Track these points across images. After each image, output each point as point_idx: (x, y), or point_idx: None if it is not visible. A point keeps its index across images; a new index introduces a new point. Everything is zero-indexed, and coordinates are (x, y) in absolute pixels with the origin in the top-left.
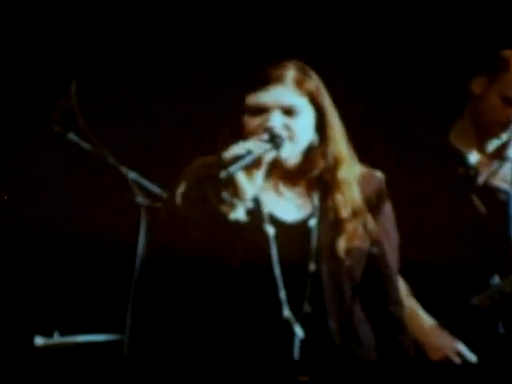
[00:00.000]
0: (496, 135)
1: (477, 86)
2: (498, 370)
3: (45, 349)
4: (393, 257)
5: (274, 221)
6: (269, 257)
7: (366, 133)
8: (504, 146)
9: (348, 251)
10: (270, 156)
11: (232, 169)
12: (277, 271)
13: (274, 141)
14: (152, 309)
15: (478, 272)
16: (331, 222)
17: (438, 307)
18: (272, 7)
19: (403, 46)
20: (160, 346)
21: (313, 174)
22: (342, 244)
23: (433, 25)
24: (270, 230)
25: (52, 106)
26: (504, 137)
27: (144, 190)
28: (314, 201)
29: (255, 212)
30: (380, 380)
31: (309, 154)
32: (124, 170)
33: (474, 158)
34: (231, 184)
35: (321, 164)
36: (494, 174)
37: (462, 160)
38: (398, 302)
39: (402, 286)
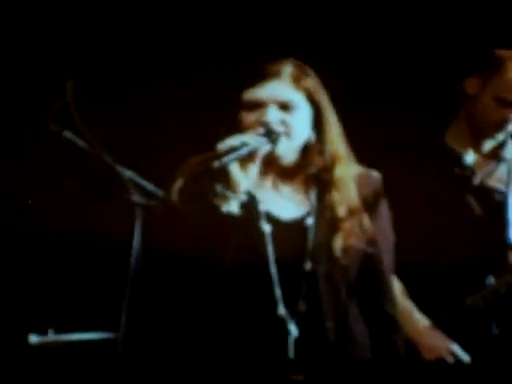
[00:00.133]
0: (491, 135)
1: (470, 87)
2: (492, 370)
3: (39, 347)
4: (388, 256)
5: (271, 218)
6: (265, 254)
7: (362, 133)
8: (500, 147)
9: (344, 250)
10: (265, 149)
11: (225, 159)
12: (272, 269)
13: (270, 136)
14: (146, 307)
15: (473, 272)
16: (328, 221)
17: (433, 307)
18: (271, 7)
19: (400, 46)
20: (154, 344)
21: (309, 172)
22: (338, 243)
23: (430, 25)
24: (267, 228)
25: (48, 104)
26: (499, 137)
27: (140, 188)
28: (310, 199)
29: (252, 209)
30: (374, 379)
31: (305, 151)
32: (120, 168)
33: (470, 158)
34: (225, 176)
35: (317, 162)
36: (489, 174)
37: (458, 160)
38: (392, 302)
39: (397, 286)
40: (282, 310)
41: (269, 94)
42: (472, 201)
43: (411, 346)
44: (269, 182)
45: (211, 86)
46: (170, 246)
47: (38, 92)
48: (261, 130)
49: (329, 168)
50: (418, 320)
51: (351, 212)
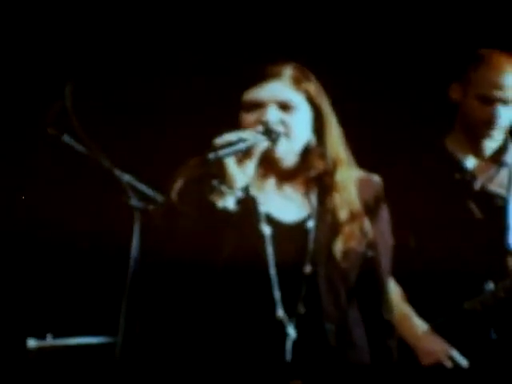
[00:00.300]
0: (486, 136)
1: (454, 93)
2: (490, 375)
3: (38, 351)
4: (386, 260)
5: (271, 221)
6: (264, 256)
7: (363, 137)
8: (501, 151)
9: (345, 253)
10: (262, 146)
11: (221, 152)
12: (272, 271)
13: (269, 134)
14: (145, 311)
15: (472, 277)
16: (329, 224)
17: (432, 311)
18: (271, 9)
19: (401, 50)
20: (153, 348)
21: (310, 175)
22: (338, 246)
23: (431, 29)
24: (266, 230)
25: (46, 108)
26: (495, 135)
27: (138, 192)
28: (311, 202)
29: (252, 211)
30: (373, 382)
31: (306, 154)
32: (118, 172)
33: (470, 162)
34: (221, 171)
35: (318, 165)
36: (490, 179)
37: (459, 165)
38: (389, 306)
39: (396, 291)
40: (280, 313)
41: (269, 94)
42: (472, 205)
43: (409, 351)
44: (269, 184)
45: (210, 89)
46: (168, 248)
47: (36, 96)
48: (260, 128)
49: (330, 172)
50: (416, 325)
51: (352, 215)
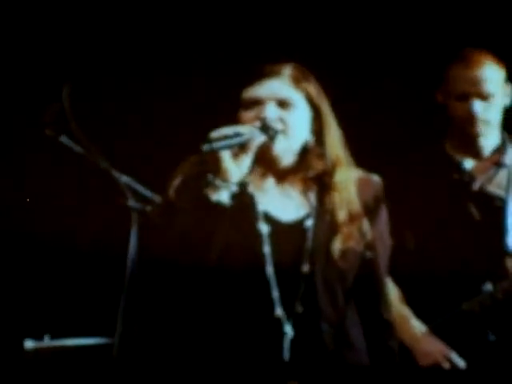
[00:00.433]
0: (474, 134)
1: (439, 96)
2: (487, 377)
3: (35, 352)
4: (384, 261)
5: (269, 219)
6: (262, 255)
7: (363, 138)
8: (499, 152)
9: (343, 253)
10: (259, 141)
11: (216, 145)
12: (270, 270)
13: (267, 130)
14: (143, 311)
15: (470, 278)
16: (327, 224)
17: (430, 312)
18: (272, 10)
19: (401, 52)
20: (151, 348)
21: (308, 175)
22: (337, 246)
23: (433, 30)
24: (264, 229)
25: (44, 109)
26: (485, 132)
27: (136, 193)
28: (310, 201)
29: (250, 210)
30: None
31: (304, 154)
32: (116, 173)
33: (468, 163)
34: (216, 164)
35: (317, 166)
36: (489, 180)
37: (457, 166)
38: (388, 306)
39: (394, 292)
40: (278, 311)
41: (268, 91)
42: (471, 206)
43: (407, 352)
44: (268, 182)
45: (210, 89)
46: (166, 246)
47: (34, 97)
48: (257, 124)
49: (329, 172)
50: (414, 326)
51: (351, 216)
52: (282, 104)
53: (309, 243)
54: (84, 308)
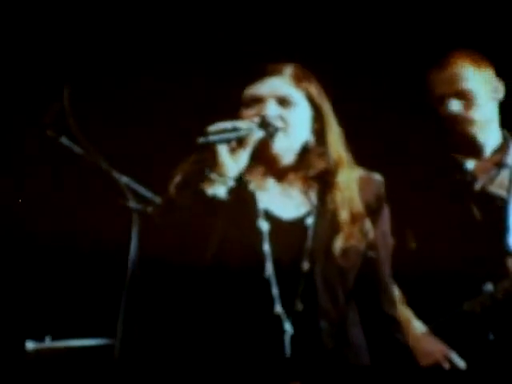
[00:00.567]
0: (466, 133)
1: (429, 103)
2: (487, 377)
3: (36, 353)
4: (387, 260)
5: (269, 217)
6: (261, 253)
7: (364, 138)
8: (501, 152)
9: (344, 252)
10: (257, 137)
11: (211, 138)
12: (269, 267)
13: (266, 127)
14: (143, 312)
15: (471, 278)
16: (329, 222)
17: (430, 312)
18: (273, 10)
19: (402, 51)
20: (152, 348)
21: (309, 174)
22: (338, 244)
23: (434, 30)
24: (264, 226)
25: (45, 110)
26: (476, 131)
27: (136, 194)
28: (311, 200)
29: (250, 207)
30: (371, 383)
31: (305, 153)
32: (116, 174)
33: (470, 163)
34: (213, 159)
35: (318, 165)
36: (491, 180)
37: (459, 166)
38: (392, 303)
39: (395, 292)
40: (278, 309)
41: (269, 89)
42: (472, 206)
43: (407, 352)
44: (269, 181)
45: (211, 90)
46: (165, 247)
47: (34, 98)
48: (256, 119)
49: (331, 171)
50: (414, 326)
51: (353, 215)
52: (283, 102)
53: (309, 241)
54: (85, 309)
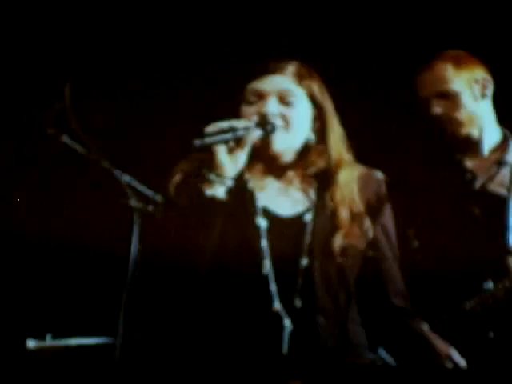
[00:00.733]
0: (458, 133)
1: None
2: (488, 376)
3: (37, 351)
4: (393, 256)
5: (268, 214)
6: (260, 250)
7: (364, 137)
8: (501, 150)
9: (343, 250)
10: (255, 136)
11: (208, 140)
12: (267, 264)
13: (264, 126)
14: (144, 311)
15: (471, 276)
16: (328, 219)
17: (431, 310)
18: (275, 9)
19: (403, 50)
20: (152, 346)
21: (308, 172)
22: (337, 242)
23: (435, 30)
24: (262, 223)
25: (46, 108)
26: (470, 129)
27: (137, 193)
28: (310, 197)
29: (249, 205)
30: (370, 382)
31: (305, 151)
32: (118, 173)
33: (470, 162)
34: (211, 159)
35: (317, 163)
36: (491, 178)
37: (459, 164)
38: (403, 295)
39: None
40: (277, 306)
41: (270, 85)
42: (472, 205)
43: (407, 350)
44: (268, 179)
45: (212, 88)
46: (165, 245)
47: (35, 96)
48: (254, 119)
49: (331, 170)
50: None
51: (352, 213)
52: (284, 100)
53: (307, 237)
54: (86, 307)
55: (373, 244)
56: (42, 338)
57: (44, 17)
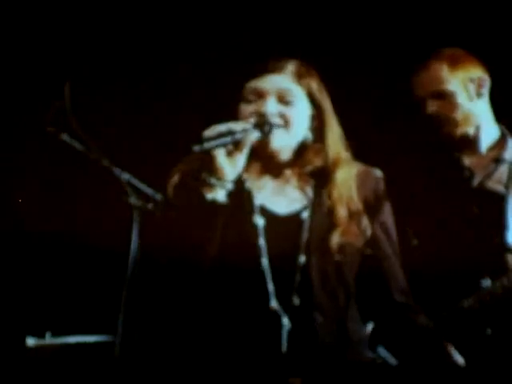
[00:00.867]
0: (454, 133)
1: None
2: (486, 373)
3: (37, 349)
4: (394, 253)
5: (265, 213)
6: (257, 248)
7: (363, 135)
8: (499, 148)
9: (341, 247)
10: (253, 138)
11: (207, 145)
12: (265, 263)
13: (261, 127)
14: (143, 308)
15: (469, 274)
16: (325, 216)
17: (429, 308)
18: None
19: (402, 48)
20: (151, 344)
21: (306, 171)
22: (335, 239)
23: (435, 27)
24: (260, 222)
25: (45, 106)
26: (466, 128)
27: (137, 191)
28: (307, 195)
29: (246, 203)
30: (368, 380)
31: (302, 150)
32: (117, 171)
33: (467, 159)
34: (210, 163)
35: (315, 162)
36: (489, 176)
37: (457, 162)
38: (403, 291)
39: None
40: (274, 304)
41: (269, 84)
42: (470, 203)
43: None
44: (265, 177)
45: (211, 87)
46: (164, 244)
47: (35, 95)
48: (252, 120)
49: (328, 168)
50: None
51: (350, 211)
52: (283, 99)
53: (305, 234)
54: (85, 305)
55: (373, 242)
56: (41, 335)
57: (44, 15)
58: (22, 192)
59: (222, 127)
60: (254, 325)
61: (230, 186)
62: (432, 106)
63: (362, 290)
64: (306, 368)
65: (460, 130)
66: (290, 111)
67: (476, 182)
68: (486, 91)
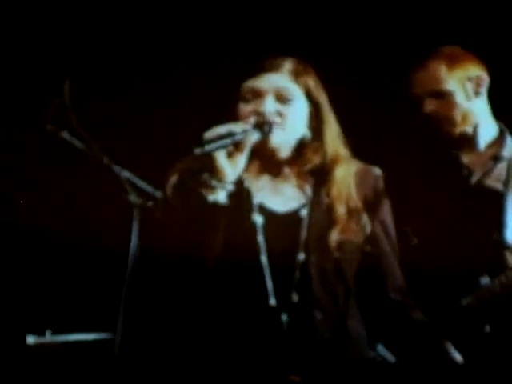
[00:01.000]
0: (451, 132)
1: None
2: (484, 371)
3: (37, 347)
4: (393, 251)
5: (264, 211)
6: (256, 246)
7: (361, 133)
8: (498, 145)
9: (340, 245)
10: (253, 139)
11: (208, 147)
12: (264, 260)
13: (261, 127)
14: (142, 307)
15: (468, 272)
16: (324, 214)
17: (428, 306)
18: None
19: (401, 47)
20: (151, 342)
21: (304, 169)
22: (334, 236)
23: (432, 25)
24: (258, 220)
25: (45, 104)
26: (463, 128)
27: (137, 189)
28: (306, 193)
29: (245, 201)
30: (367, 377)
31: (301, 148)
32: (117, 168)
33: (466, 157)
34: (211, 165)
35: (313, 160)
36: (487, 173)
37: (455, 160)
38: (399, 289)
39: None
40: (273, 301)
41: (267, 83)
42: (469, 200)
43: (407, 343)
44: (264, 176)
45: (210, 85)
46: (164, 243)
47: (35, 92)
48: (252, 121)
49: (327, 166)
50: None
51: (349, 209)
52: (281, 98)
53: (303, 231)
54: (85, 303)
55: (372, 240)
56: (41, 333)
57: (43, 13)
58: (22, 191)
59: (221, 129)
60: (253, 322)
61: (230, 187)
62: (430, 105)
63: (361, 287)
64: (305, 365)
65: (458, 129)
66: (287, 109)
67: (474, 179)
68: (484, 90)
